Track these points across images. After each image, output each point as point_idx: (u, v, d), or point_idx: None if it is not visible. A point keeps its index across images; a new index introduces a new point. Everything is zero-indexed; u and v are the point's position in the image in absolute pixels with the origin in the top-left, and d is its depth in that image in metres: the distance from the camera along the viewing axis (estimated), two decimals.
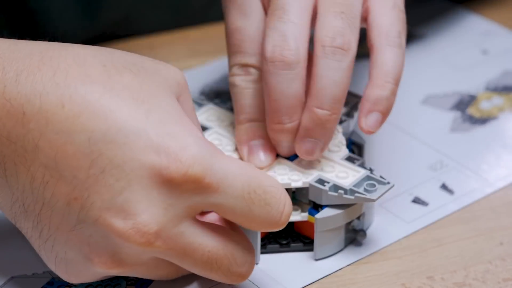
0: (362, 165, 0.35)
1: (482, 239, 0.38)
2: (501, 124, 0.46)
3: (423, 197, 0.41)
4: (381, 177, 0.34)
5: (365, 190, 0.33)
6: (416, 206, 0.40)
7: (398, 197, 0.41)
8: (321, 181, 0.33)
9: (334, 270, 0.35)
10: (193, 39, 0.55)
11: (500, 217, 0.40)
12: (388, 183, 0.34)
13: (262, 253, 0.35)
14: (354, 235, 0.36)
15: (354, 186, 0.33)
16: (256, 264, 0.34)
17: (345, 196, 0.32)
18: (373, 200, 0.33)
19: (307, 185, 0.34)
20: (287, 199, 0.27)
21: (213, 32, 0.56)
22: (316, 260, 0.35)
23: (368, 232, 0.37)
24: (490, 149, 0.44)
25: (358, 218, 0.35)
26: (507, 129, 0.45)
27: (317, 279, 0.34)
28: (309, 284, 0.34)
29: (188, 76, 0.48)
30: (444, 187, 0.42)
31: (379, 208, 0.39)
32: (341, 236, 0.35)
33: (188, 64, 0.52)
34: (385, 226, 0.39)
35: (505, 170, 0.42)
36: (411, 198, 0.41)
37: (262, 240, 0.34)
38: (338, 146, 0.36)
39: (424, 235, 0.38)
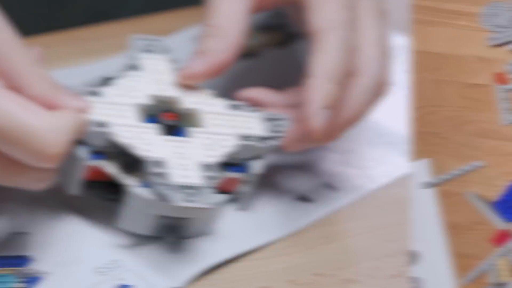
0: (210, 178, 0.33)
1: (370, 236, 0.39)
2: (384, 120, 0.46)
3: (308, 194, 0.40)
4: (216, 193, 0.33)
5: (184, 195, 0.31)
6: (301, 203, 0.40)
7: (283, 195, 0.40)
8: (159, 164, 0.32)
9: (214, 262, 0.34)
10: (85, 38, 0.54)
11: (387, 214, 0.40)
12: (207, 201, 0.32)
13: (86, 193, 0.33)
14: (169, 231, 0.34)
15: (181, 186, 0.31)
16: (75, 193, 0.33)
17: (158, 187, 0.31)
18: (168, 202, 0.31)
19: (147, 159, 0.32)
20: (47, 140, 0.26)
21: (105, 31, 0.55)
22: (119, 228, 0.34)
23: (255, 227, 0.37)
24: (374, 146, 0.45)
25: (179, 219, 0.33)
26: (391, 125, 0.46)
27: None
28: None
29: None
30: (327, 184, 0.42)
31: (263, 205, 0.39)
32: (148, 222, 0.33)
33: (80, 63, 0.50)
34: (271, 222, 0.38)
35: (389, 167, 0.43)
36: (296, 195, 0.40)
37: (93, 182, 0.33)
38: (216, 152, 0.35)
39: (312, 232, 0.38)
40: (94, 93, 0.34)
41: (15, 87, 0.27)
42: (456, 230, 0.41)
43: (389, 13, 0.41)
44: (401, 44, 0.44)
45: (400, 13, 0.43)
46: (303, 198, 0.40)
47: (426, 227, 0.38)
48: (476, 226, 0.41)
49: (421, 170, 0.39)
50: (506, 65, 0.42)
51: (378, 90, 0.37)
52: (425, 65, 0.44)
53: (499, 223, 0.38)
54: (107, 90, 0.34)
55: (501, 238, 0.38)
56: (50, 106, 0.28)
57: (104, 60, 0.50)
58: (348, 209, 0.40)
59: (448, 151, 0.41)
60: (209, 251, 0.34)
